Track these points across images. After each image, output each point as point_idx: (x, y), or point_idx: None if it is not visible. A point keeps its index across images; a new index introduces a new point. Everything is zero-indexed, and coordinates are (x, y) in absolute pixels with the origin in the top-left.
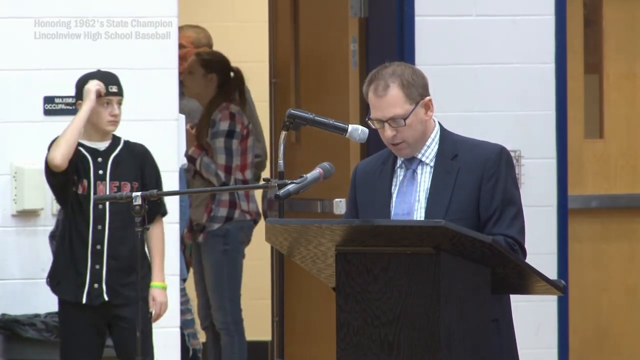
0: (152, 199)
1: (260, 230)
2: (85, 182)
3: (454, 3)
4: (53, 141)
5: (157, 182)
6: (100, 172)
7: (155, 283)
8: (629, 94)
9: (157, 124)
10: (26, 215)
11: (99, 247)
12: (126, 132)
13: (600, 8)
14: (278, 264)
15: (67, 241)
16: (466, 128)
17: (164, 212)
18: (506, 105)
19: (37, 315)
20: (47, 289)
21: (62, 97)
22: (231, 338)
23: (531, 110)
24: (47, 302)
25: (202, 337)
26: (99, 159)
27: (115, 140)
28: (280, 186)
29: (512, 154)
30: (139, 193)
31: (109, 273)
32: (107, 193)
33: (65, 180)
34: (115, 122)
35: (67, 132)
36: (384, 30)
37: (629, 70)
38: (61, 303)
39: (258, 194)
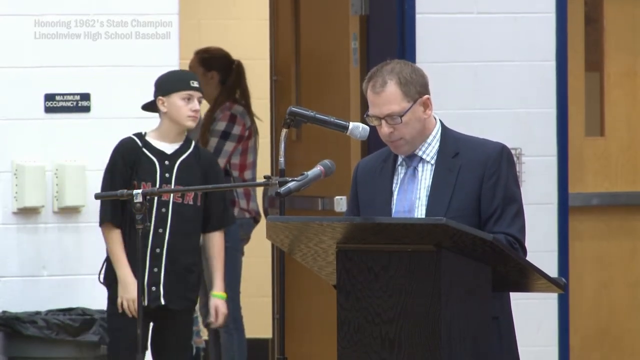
0: (152, 196)
1: (261, 227)
2: (149, 185)
3: (454, 1)
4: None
5: (220, 192)
6: (167, 175)
7: (217, 293)
8: (630, 91)
9: (158, 122)
10: (27, 212)
11: (158, 250)
12: (128, 129)
13: (601, 6)
14: (279, 261)
15: (127, 243)
16: (467, 126)
17: (229, 224)
18: (507, 103)
19: (37, 313)
20: (48, 286)
21: (63, 95)
22: (230, 336)
23: (532, 108)
24: (48, 300)
25: (204, 334)
26: (166, 162)
27: (187, 143)
28: (281, 184)
29: (513, 152)
30: (139, 190)
31: (166, 277)
32: (171, 196)
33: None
34: (195, 118)
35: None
36: (384, 28)
37: (629, 68)
38: (111, 300)
39: (259, 192)
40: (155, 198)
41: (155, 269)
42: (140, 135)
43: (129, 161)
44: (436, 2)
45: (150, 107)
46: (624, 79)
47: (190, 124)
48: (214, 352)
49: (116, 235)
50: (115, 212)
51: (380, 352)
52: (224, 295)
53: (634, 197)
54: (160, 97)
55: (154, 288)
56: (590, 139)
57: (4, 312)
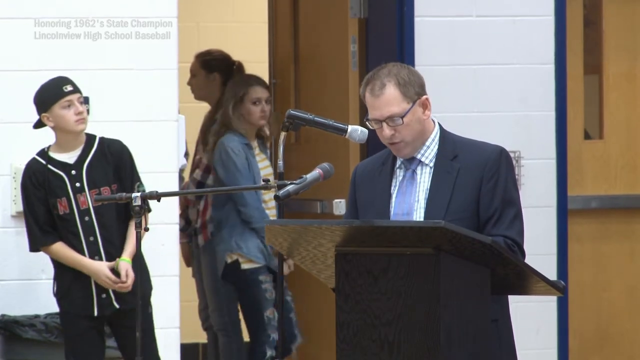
0: (151, 198)
1: None
2: (64, 200)
3: (453, 4)
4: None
5: (132, 179)
6: (77, 184)
7: (125, 258)
8: (629, 94)
9: (156, 125)
10: None
11: (97, 258)
12: (126, 132)
13: (600, 8)
14: (278, 264)
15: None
16: (466, 129)
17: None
18: (506, 106)
19: (36, 316)
20: (47, 289)
21: None
22: (229, 339)
23: (531, 111)
24: (46, 303)
25: (203, 337)
26: (73, 172)
27: (89, 142)
28: (280, 187)
29: (512, 155)
30: (138, 193)
31: None
32: (89, 203)
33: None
34: (83, 120)
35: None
36: (383, 30)
37: (628, 70)
38: (62, 314)
39: None
40: (75, 209)
41: None
42: (43, 153)
43: (37, 184)
44: (435, 5)
45: (41, 124)
46: (623, 81)
47: (81, 127)
48: (214, 355)
49: (58, 247)
50: (45, 233)
51: (380, 354)
52: (129, 260)
53: (632, 199)
54: (43, 115)
55: (103, 295)
56: (589, 142)
57: (3, 315)
